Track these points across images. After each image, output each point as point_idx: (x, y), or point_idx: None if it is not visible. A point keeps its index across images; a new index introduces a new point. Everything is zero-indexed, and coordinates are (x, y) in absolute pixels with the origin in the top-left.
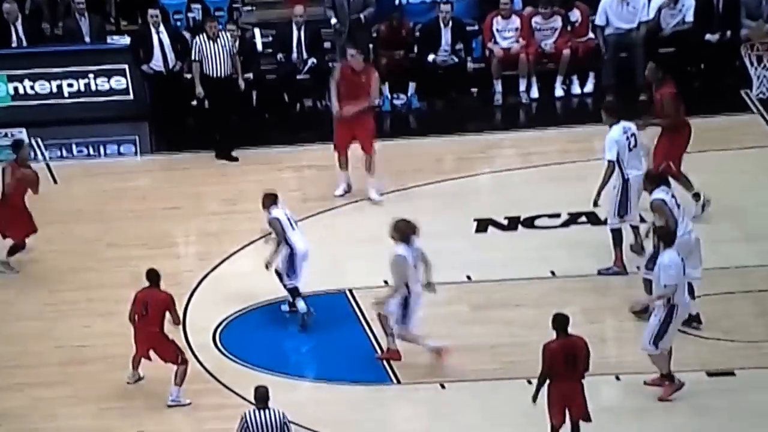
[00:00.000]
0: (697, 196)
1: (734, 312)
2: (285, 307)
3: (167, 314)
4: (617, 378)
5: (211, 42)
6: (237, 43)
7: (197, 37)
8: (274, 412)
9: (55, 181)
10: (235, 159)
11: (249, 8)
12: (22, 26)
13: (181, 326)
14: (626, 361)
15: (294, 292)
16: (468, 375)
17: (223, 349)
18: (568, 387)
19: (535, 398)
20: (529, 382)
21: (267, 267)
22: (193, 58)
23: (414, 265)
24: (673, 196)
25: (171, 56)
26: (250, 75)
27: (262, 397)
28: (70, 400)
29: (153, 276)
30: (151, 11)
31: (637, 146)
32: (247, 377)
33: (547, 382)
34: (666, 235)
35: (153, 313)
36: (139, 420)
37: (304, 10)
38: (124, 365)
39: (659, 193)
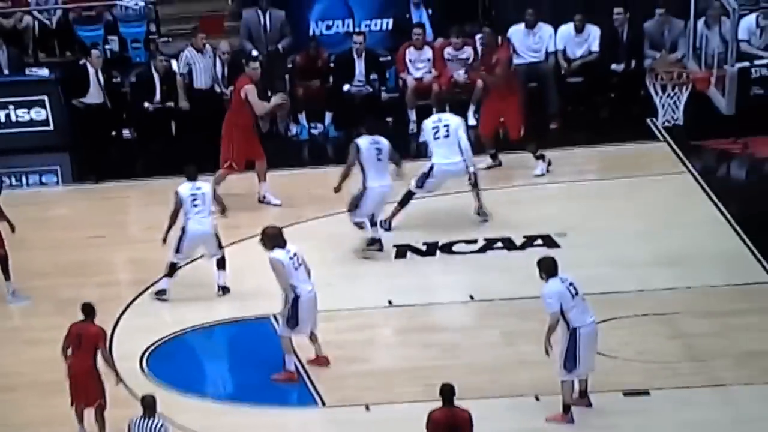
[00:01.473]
0: (542, 157)
1: (648, 334)
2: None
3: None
4: (537, 399)
5: (199, 54)
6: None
7: (184, 52)
8: (155, 422)
9: None
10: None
11: (165, 39)
12: None
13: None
14: (545, 383)
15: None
16: (391, 397)
17: (150, 375)
18: None
19: None
20: None
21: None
22: (179, 71)
23: (295, 267)
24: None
25: (101, 92)
26: (172, 104)
27: (148, 405)
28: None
29: (88, 310)
30: (94, 52)
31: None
32: (174, 402)
33: None
34: (546, 266)
35: (86, 348)
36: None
37: (228, 45)
38: (53, 391)
39: None
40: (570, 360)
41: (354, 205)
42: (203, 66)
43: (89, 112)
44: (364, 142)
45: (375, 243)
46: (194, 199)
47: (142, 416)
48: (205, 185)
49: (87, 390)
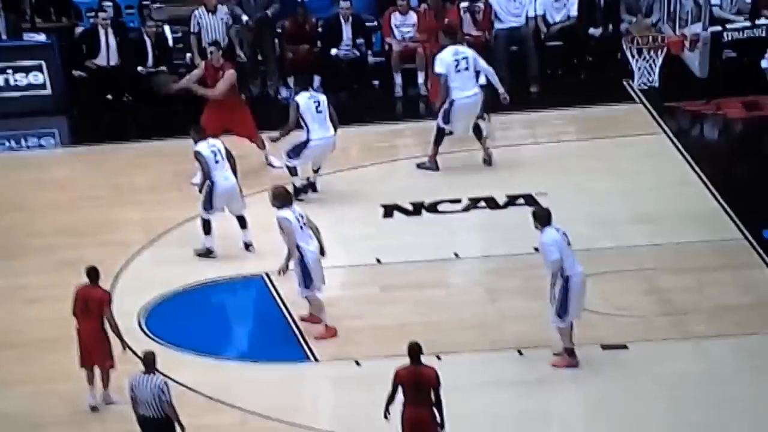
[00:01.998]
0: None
1: (625, 289)
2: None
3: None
4: (520, 353)
5: (210, 14)
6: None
7: (196, 11)
8: (155, 378)
9: None
10: None
11: (159, 5)
12: None
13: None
14: (527, 337)
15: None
16: (380, 352)
17: (148, 332)
18: (415, 412)
19: (385, 415)
20: (438, 358)
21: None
22: (191, 30)
23: (300, 226)
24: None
25: (115, 54)
26: (165, 68)
27: (148, 362)
28: (1, 382)
29: (93, 274)
30: (101, 14)
31: (468, 69)
32: (172, 358)
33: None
34: (541, 216)
35: (93, 311)
36: (70, 402)
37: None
38: (52, 348)
39: None
40: (562, 307)
41: (295, 153)
42: (213, 25)
43: (101, 74)
44: (302, 98)
45: (303, 191)
46: (215, 156)
47: (143, 372)
48: (217, 141)
49: (96, 352)
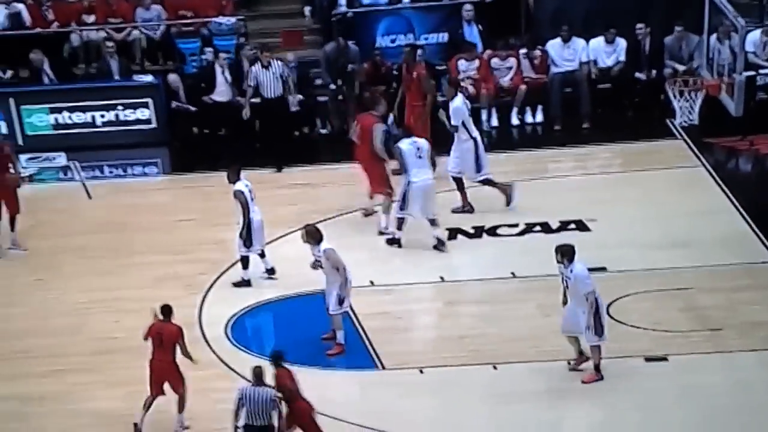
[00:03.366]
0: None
1: (665, 307)
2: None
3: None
4: (568, 363)
5: (265, 69)
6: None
7: (253, 67)
8: (266, 389)
9: (89, 197)
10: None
11: (252, 51)
12: (50, 68)
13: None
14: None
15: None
16: (441, 361)
17: (233, 341)
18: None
19: None
20: (495, 368)
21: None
22: (247, 83)
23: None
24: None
25: (228, 88)
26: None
27: (257, 375)
28: (100, 384)
29: (166, 310)
30: (222, 54)
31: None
32: (253, 364)
33: None
34: (567, 252)
35: (167, 345)
36: (162, 401)
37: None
38: (144, 354)
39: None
40: (599, 327)
41: (402, 201)
42: (269, 79)
43: (216, 108)
44: (404, 144)
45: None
46: (251, 193)
47: (253, 385)
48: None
49: (167, 382)
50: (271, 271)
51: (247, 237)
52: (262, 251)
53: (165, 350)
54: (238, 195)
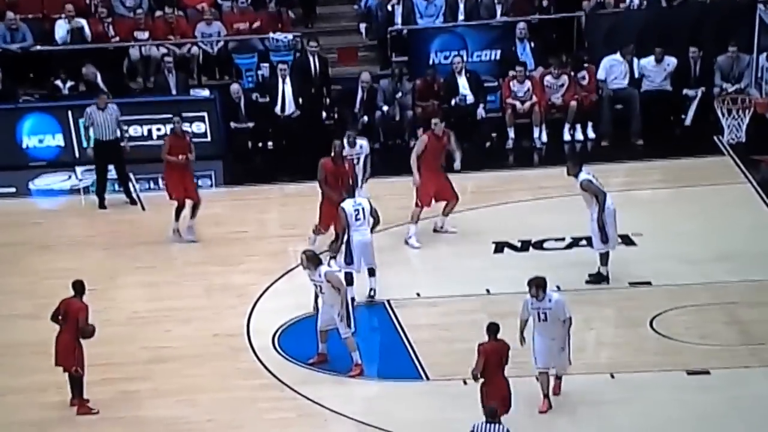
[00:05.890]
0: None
1: (709, 321)
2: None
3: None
4: (612, 376)
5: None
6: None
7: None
8: (500, 427)
9: (143, 209)
10: None
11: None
12: (104, 82)
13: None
14: (619, 362)
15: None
16: None
17: (280, 351)
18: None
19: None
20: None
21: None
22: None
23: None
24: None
25: (291, 103)
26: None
27: (491, 413)
28: (151, 392)
29: (78, 286)
30: (280, 65)
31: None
32: (301, 374)
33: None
34: (542, 283)
35: (71, 321)
36: (209, 410)
37: (369, 75)
38: (198, 364)
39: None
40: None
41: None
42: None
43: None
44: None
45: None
46: (357, 214)
47: (486, 422)
48: (364, 201)
49: (66, 357)
50: (371, 291)
51: (346, 253)
52: (372, 270)
53: (68, 326)
54: (340, 211)
